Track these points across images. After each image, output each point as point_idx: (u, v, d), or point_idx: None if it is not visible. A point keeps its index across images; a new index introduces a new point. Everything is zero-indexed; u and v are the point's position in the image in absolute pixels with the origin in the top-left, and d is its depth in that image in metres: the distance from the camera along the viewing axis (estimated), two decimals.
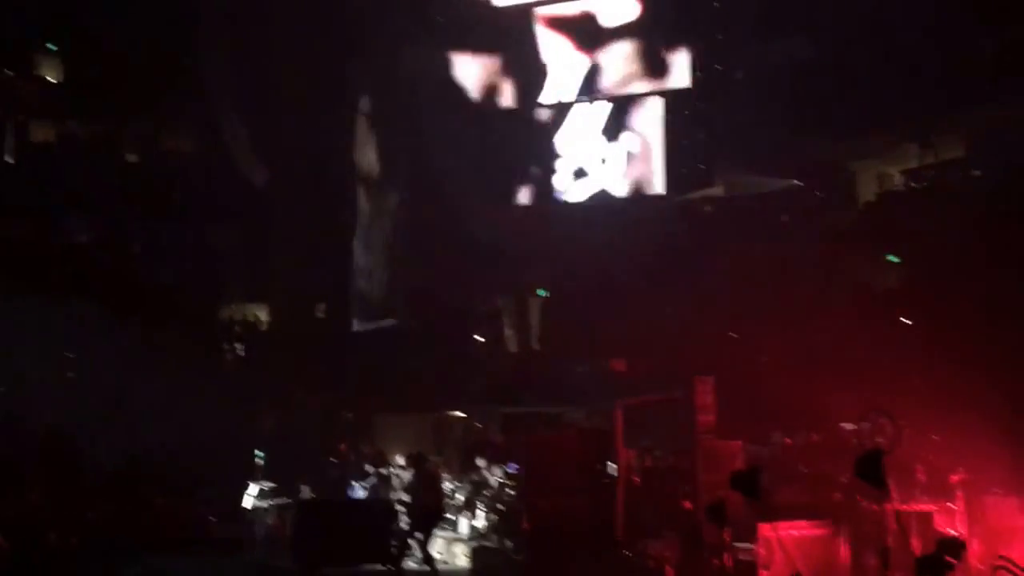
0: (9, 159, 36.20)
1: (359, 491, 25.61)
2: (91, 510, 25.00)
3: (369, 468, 26.28)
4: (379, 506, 24.12)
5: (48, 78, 37.72)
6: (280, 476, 25.22)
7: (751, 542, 17.47)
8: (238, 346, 36.04)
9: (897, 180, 26.23)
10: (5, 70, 36.65)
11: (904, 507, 16.86)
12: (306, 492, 25.11)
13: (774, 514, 17.25)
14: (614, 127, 28.23)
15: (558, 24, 28.98)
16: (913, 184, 25.59)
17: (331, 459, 27.77)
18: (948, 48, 23.33)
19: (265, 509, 24.48)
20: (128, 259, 35.37)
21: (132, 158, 37.91)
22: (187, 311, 33.30)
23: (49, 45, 37.66)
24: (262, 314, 36.87)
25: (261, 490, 24.59)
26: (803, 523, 17.88)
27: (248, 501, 24.70)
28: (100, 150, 37.24)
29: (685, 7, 27.27)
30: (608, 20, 28.22)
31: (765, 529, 17.18)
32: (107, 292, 31.75)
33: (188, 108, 35.94)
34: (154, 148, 38.18)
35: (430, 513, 21.82)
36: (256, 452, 25.27)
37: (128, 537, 24.59)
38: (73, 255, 34.49)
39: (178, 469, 26.21)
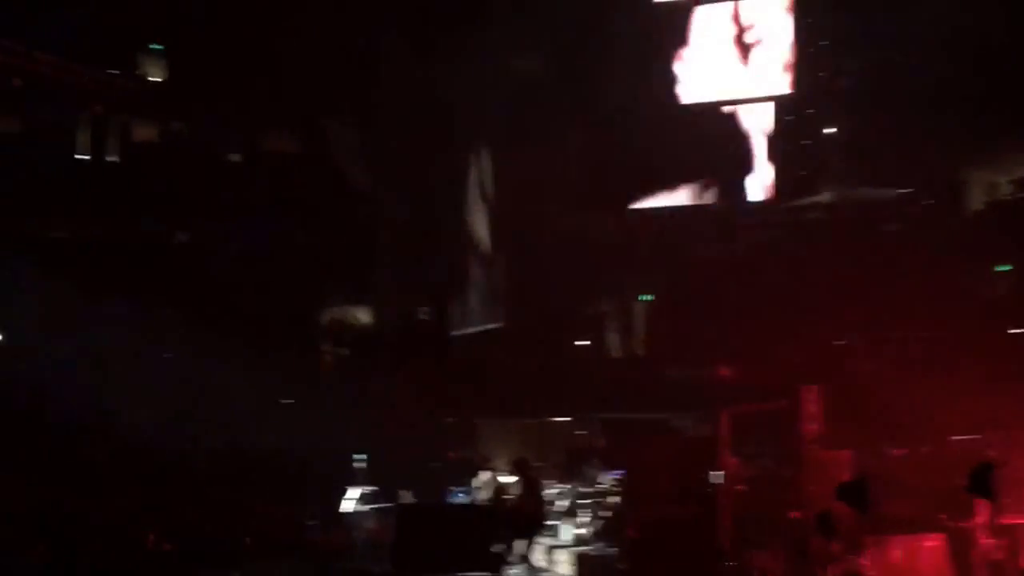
0: (113, 158, 36.50)
1: (461, 496, 25.59)
2: (190, 513, 25.22)
3: (472, 473, 26.28)
4: (481, 512, 23.99)
5: (151, 77, 38.03)
6: (381, 481, 25.03)
7: (860, 554, 17.38)
8: (339, 349, 36.23)
9: (1006, 189, 25.92)
10: (108, 69, 36.99)
11: (1015, 520, 16.71)
12: (407, 497, 24.82)
13: (882, 526, 17.15)
14: (722, 132, 28.08)
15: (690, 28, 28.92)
16: (1022, 194, 25.31)
17: (433, 464, 27.78)
18: None
19: (365, 514, 24.34)
20: (229, 260, 35.50)
21: (235, 158, 38.03)
22: (288, 313, 33.48)
23: (153, 44, 38.00)
24: (364, 317, 36.99)
25: (362, 494, 24.45)
26: (911, 536, 17.77)
27: (348, 505, 24.58)
28: (202, 150, 37.43)
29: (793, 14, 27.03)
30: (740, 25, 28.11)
31: (872, 541, 17.09)
32: (207, 293, 32.03)
33: (293, 108, 36.13)
34: (258, 149, 38.32)
35: (532, 520, 21.85)
36: (356, 456, 25.15)
37: (226, 541, 24.85)
38: (173, 255, 34.79)
39: (277, 473, 26.21)
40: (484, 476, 25.77)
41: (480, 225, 33.82)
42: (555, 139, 29.89)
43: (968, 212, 26.22)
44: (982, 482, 13.79)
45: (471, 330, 33.37)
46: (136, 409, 27.74)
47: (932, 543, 17.81)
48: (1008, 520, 15.89)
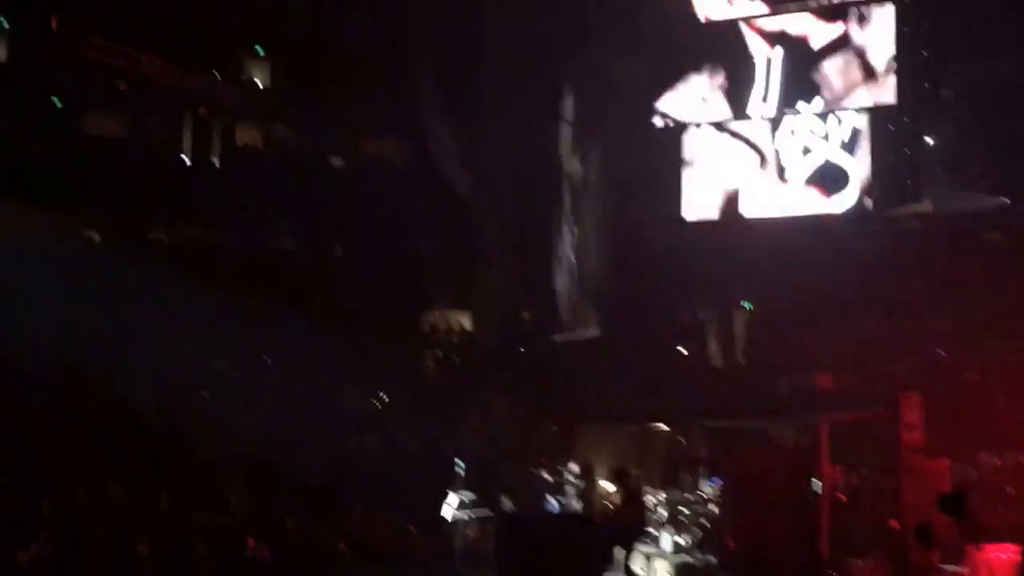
0: (216, 162, 37.02)
1: (562, 504, 25.71)
2: (291, 518, 25.50)
3: (572, 481, 26.41)
4: (582, 521, 24.07)
5: (256, 81, 38.53)
6: (481, 487, 24.85)
7: (959, 564, 17.44)
8: (441, 354, 36.53)
9: None
10: (213, 73, 37.54)
11: None
12: (507, 504, 24.81)
13: (982, 536, 17.19)
14: (822, 141, 28.14)
15: (770, 37, 28.98)
16: None
17: (533, 471, 27.85)
18: None
19: (466, 521, 24.14)
20: (331, 265, 35.84)
21: (337, 162, 38.44)
22: (391, 318, 33.80)
23: (257, 48, 38.50)
24: (466, 322, 37.26)
25: (461, 501, 24.26)
26: (1011, 546, 17.78)
27: (448, 512, 24.42)
28: (305, 155, 37.84)
29: (895, 24, 27.02)
30: (818, 35, 28.14)
31: (973, 551, 17.13)
32: (310, 298, 32.41)
33: (395, 114, 36.49)
34: (360, 153, 38.66)
35: (632, 529, 22.00)
36: (457, 462, 25.04)
37: (328, 547, 25.11)
38: (277, 260, 35.22)
39: (379, 479, 26.23)
40: (584, 483, 25.92)
41: (583, 230, 34.01)
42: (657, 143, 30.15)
43: None
44: None
45: (573, 336, 33.53)
46: (240, 413, 28.25)
47: None
48: None
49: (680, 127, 29.96)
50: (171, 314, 28.65)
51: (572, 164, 34.67)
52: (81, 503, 22.58)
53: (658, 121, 30.15)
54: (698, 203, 30.01)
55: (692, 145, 29.86)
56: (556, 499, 25.83)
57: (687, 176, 29.84)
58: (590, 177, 33.82)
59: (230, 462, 26.59)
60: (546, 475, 27.45)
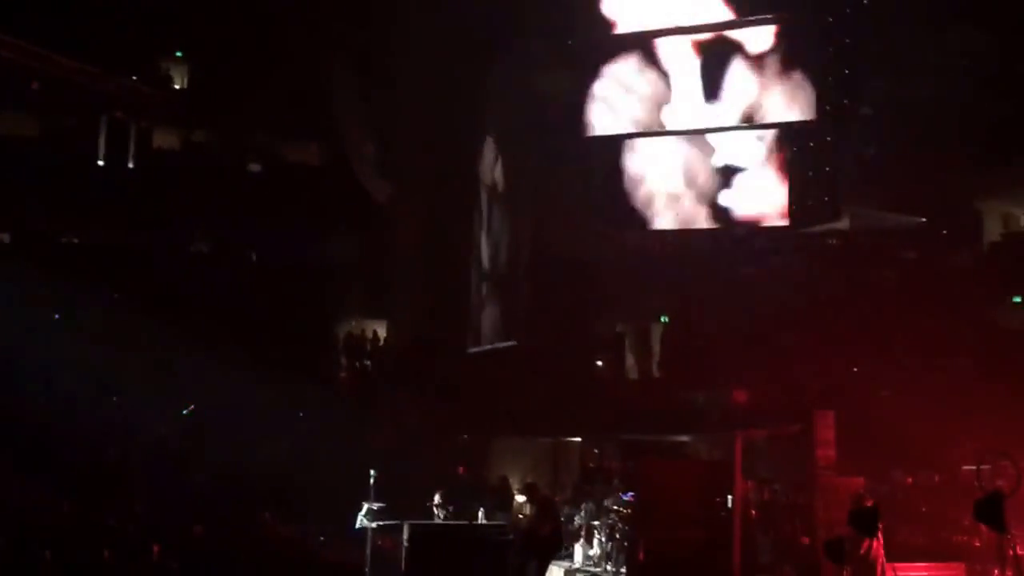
0: (131, 165, 36.48)
1: (474, 515, 25.45)
2: (197, 525, 25.11)
3: (485, 492, 26.19)
4: (494, 532, 23.83)
5: (173, 85, 38.06)
6: (392, 497, 24.21)
7: None
8: (355, 362, 36.24)
9: (1023, 221, 26.05)
10: (131, 77, 37.01)
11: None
12: (418, 515, 24.39)
13: (894, 554, 17.17)
14: (740, 156, 28.13)
15: (691, 51, 28.96)
16: None
17: (446, 482, 27.61)
18: None
19: (375, 530, 23.63)
20: (246, 271, 35.45)
21: (255, 168, 38.05)
22: (304, 325, 33.49)
23: (176, 52, 38.06)
24: (381, 331, 37.00)
25: (369, 510, 23.58)
26: (922, 564, 17.82)
27: (358, 522, 23.78)
28: (223, 159, 37.42)
29: (814, 40, 27.07)
30: (739, 50, 28.12)
31: (884, 569, 17.11)
32: (223, 304, 32.01)
33: (315, 120, 36.22)
34: (279, 159, 38.30)
35: (547, 542, 21.86)
36: (370, 472, 24.19)
37: (233, 555, 24.76)
38: (191, 265, 34.77)
39: (288, 487, 26.15)
40: (497, 496, 25.73)
41: (497, 243, 33.89)
42: (573, 159, 30.03)
43: (984, 242, 26.31)
44: (991, 511, 13.81)
45: (488, 347, 33.39)
46: (148, 419, 27.83)
47: (942, 571, 17.87)
48: (1019, 550, 15.86)
49: (599, 138, 29.78)
50: (80, 317, 28.17)
51: (491, 174, 34.57)
52: None
53: (577, 131, 29.91)
54: (616, 215, 29.85)
55: (610, 156, 29.66)
56: (468, 509, 25.65)
57: (605, 187, 29.64)
58: (508, 188, 33.72)
59: (136, 468, 26.27)
60: (459, 485, 27.30)
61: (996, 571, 16.26)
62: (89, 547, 22.13)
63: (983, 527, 16.15)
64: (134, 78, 36.89)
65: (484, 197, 34.92)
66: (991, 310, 23.44)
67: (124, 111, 36.49)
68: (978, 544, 17.83)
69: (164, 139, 37.63)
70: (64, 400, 26.48)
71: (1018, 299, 23.32)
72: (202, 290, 32.35)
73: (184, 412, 28.39)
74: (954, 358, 22.63)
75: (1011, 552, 15.41)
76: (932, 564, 17.95)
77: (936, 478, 20.51)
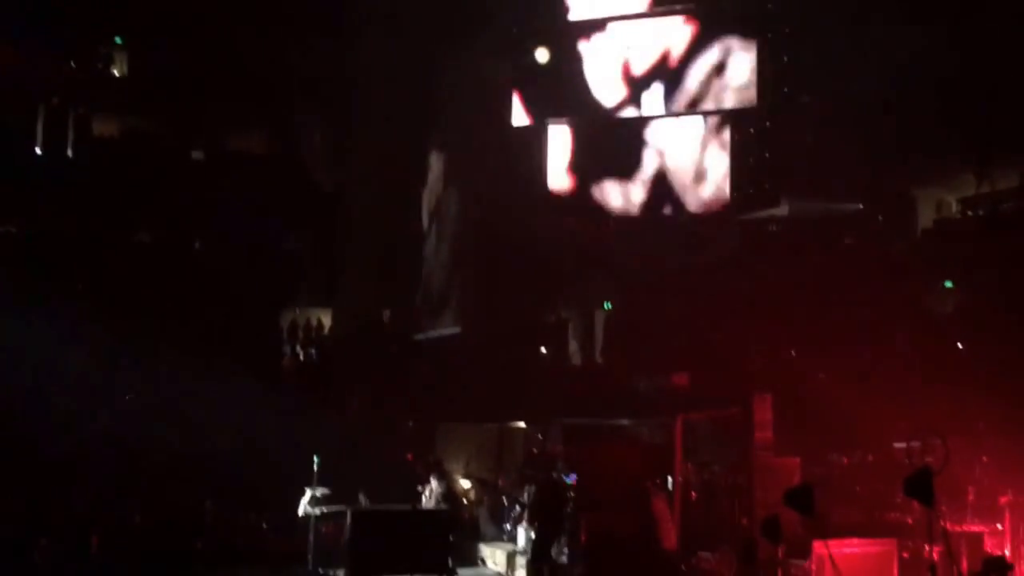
0: (70, 153, 36.15)
1: (417, 500, 25.60)
2: (140, 515, 25.04)
3: (428, 477, 26.33)
4: (435, 515, 24.34)
5: (113, 71, 37.72)
6: (337, 483, 24.60)
7: (805, 559, 17.74)
8: (300, 350, 36.28)
9: (955, 208, 26.37)
10: (69, 63, 36.66)
11: (954, 527, 17.08)
12: (363, 500, 24.80)
13: (828, 532, 17.48)
14: (681, 143, 28.32)
15: (636, 37, 29.08)
16: (969, 212, 25.70)
17: (390, 467, 27.66)
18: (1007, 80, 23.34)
19: (319, 516, 23.95)
20: (190, 259, 35.29)
21: (198, 156, 37.80)
22: (250, 314, 33.45)
23: (116, 38, 37.70)
24: (326, 319, 37.03)
25: (313, 496, 24.02)
26: (856, 541, 18.15)
27: (302, 508, 24.21)
28: (165, 147, 37.15)
29: (753, 28, 27.29)
30: (683, 38, 28.29)
31: (819, 546, 17.42)
32: (168, 292, 31.89)
33: (261, 109, 36.12)
34: (223, 148, 38.10)
35: (485, 523, 22.07)
36: (314, 458, 24.65)
37: (177, 544, 24.74)
38: (134, 253, 34.57)
39: (234, 476, 26.20)
40: (440, 480, 25.91)
41: (444, 228, 34.02)
42: (519, 145, 30.13)
43: (918, 228, 26.65)
44: (920, 488, 14.10)
45: (433, 334, 33.52)
46: (93, 409, 27.74)
47: (875, 548, 18.19)
48: (948, 526, 16.20)
49: (544, 125, 29.91)
50: (19, 307, 28.04)
51: (436, 162, 34.71)
52: None
53: (522, 119, 30.02)
54: (559, 202, 29.99)
55: (555, 143, 29.82)
56: (412, 494, 25.80)
57: (549, 173, 29.78)
58: (453, 175, 33.86)
59: (77, 459, 26.25)
60: (403, 471, 27.46)
61: (927, 546, 16.58)
62: (27, 538, 22.18)
63: (915, 504, 16.45)
64: (72, 64, 36.61)
65: (429, 185, 35.07)
66: (924, 295, 23.75)
67: (62, 98, 36.18)
68: (910, 521, 18.17)
69: (104, 127, 37.30)
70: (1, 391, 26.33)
71: (949, 284, 23.63)
72: (145, 279, 32.26)
73: (126, 398, 28.36)
74: (889, 342, 22.94)
75: (940, 527, 15.74)
76: (865, 540, 18.26)
77: (870, 458, 20.83)
